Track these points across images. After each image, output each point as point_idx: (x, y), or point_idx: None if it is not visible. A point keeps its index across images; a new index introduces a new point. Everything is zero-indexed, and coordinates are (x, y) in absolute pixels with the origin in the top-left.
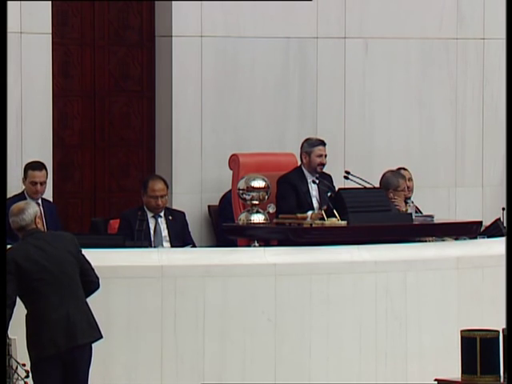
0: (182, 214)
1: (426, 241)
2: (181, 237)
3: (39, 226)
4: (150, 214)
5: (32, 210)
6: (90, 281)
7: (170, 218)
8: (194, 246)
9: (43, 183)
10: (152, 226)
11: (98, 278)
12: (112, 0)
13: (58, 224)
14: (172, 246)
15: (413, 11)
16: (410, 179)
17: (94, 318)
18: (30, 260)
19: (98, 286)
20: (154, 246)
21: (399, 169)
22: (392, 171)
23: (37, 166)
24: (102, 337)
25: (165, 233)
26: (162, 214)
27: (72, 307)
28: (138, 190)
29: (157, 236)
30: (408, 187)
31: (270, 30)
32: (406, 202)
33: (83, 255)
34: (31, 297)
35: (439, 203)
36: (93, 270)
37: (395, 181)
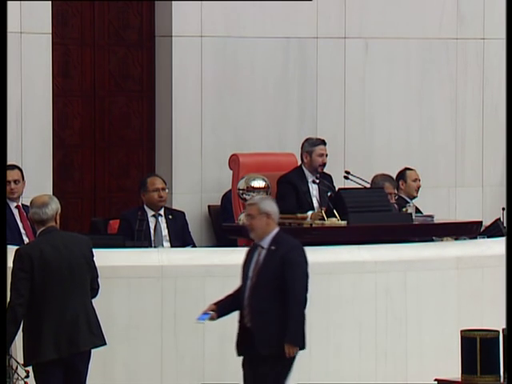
0: (182, 213)
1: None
2: (181, 236)
3: (58, 223)
4: (150, 213)
5: (55, 206)
6: (91, 288)
7: (170, 217)
8: (194, 246)
9: (17, 182)
10: (152, 226)
11: (98, 287)
12: (112, 0)
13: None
14: (172, 246)
15: (413, 11)
16: (419, 180)
17: (99, 324)
18: (44, 259)
19: (96, 295)
20: (154, 246)
21: (408, 168)
22: (383, 175)
23: (8, 166)
24: (104, 343)
25: (165, 232)
26: (161, 212)
27: (77, 312)
28: (138, 190)
29: (157, 235)
30: (419, 187)
31: (270, 30)
32: (403, 206)
33: (94, 261)
34: (37, 298)
35: (439, 203)
36: (98, 277)
37: (381, 183)
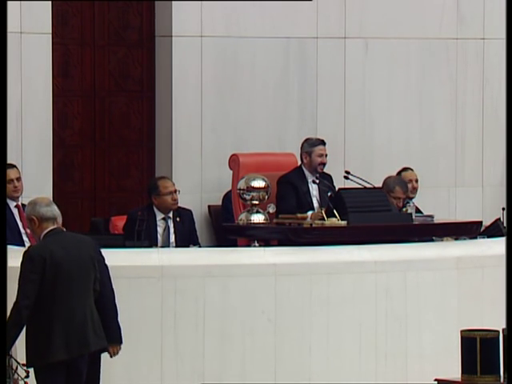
0: (189, 211)
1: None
2: (187, 238)
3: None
4: (159, 216)
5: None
6: (93, 289)
7: (178, 219)
8: (200, 245)
9: (19, 179)
10: (161, 230)
11: (100, 289)
12: (112, 0)
13: None
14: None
15: (413, 11)
16: (416, 180)
17: (101, 326)
18: (54, 260)
19: (97, 297)
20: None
21: (405, 169)
22: (396, 178)
23: (7, 165)
24: (107, 345)
25: (172, 238)
26: (170, 215)
27: (85, 314)
28: (138, 190)
29: (164, 240)
30: (414, 188)
31: (270, 30)
32: (404, 206)
33: (97, 264)
34: (46, 299)
35: (439, 203)
36: (99, 279)
37: (391, 185)
